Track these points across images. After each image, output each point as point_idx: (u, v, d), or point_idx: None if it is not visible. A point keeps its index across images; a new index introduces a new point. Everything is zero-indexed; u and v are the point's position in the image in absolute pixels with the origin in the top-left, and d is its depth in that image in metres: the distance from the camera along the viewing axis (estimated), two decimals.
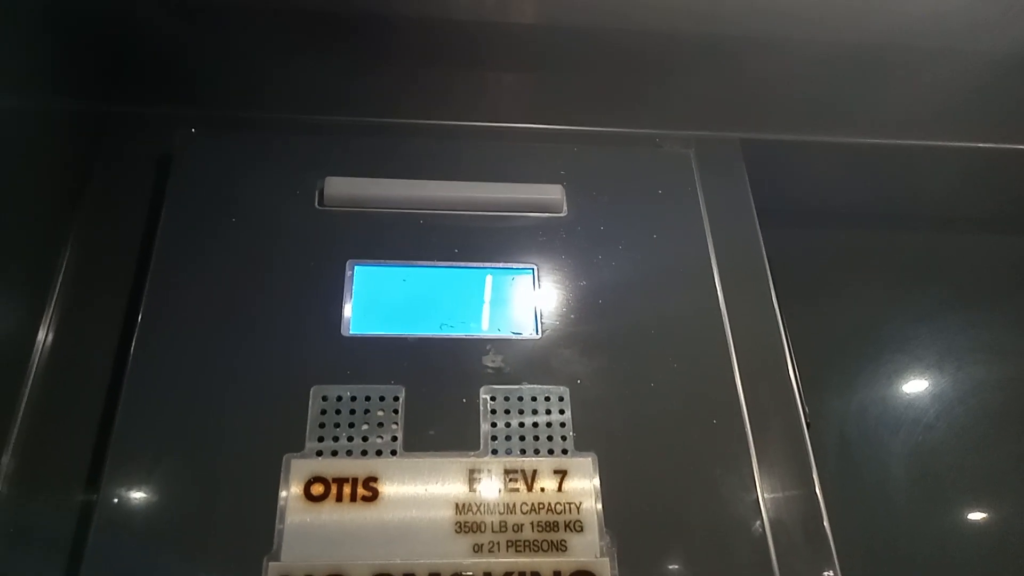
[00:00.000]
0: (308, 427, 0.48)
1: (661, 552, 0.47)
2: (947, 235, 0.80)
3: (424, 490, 0.47)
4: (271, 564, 0.43)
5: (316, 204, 0.57)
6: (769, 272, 0.60)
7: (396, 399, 0.49)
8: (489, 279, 0.55)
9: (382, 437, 0.48)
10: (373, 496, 0.46)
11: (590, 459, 0.49)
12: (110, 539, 0.44)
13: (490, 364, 0.52)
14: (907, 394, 0.71)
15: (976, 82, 0.69)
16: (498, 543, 0.45)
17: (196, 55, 0.62)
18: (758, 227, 0.62)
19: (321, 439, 0.48)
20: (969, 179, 0.76)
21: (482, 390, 0.50)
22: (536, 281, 0.56)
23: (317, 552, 0.44)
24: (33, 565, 0.45)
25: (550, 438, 0.49)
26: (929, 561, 0.64)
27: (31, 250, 0.53)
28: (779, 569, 0.47)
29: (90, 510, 0.45)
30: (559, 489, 0.47)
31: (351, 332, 0.52)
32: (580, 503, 0.47)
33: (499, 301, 0.55)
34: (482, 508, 0.46)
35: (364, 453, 0.47)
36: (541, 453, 0.49)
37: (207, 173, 0.57)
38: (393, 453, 0.48)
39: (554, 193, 0.59)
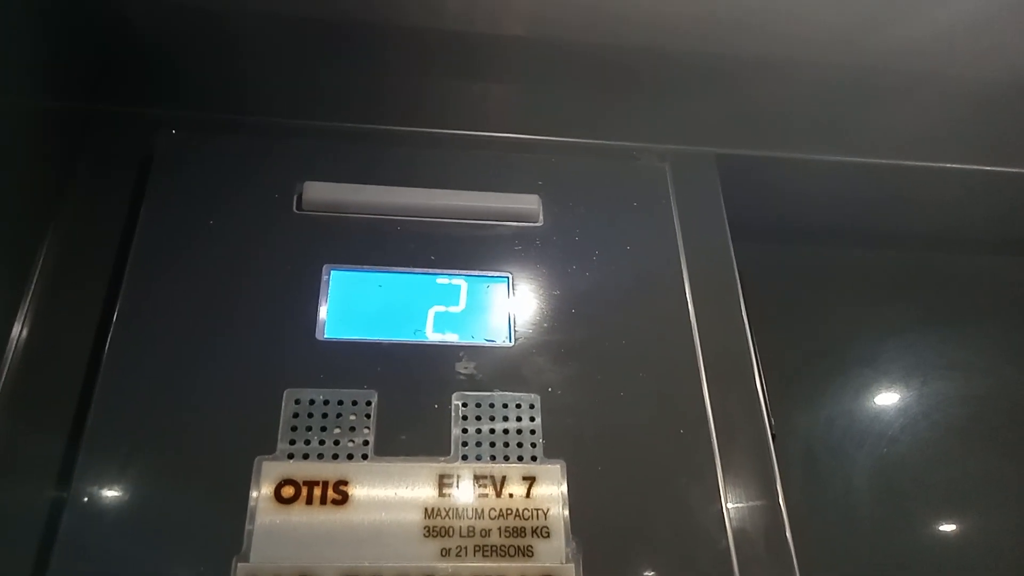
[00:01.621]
0: (280, 430, 0.48)
1: (626, 559, 0.48)
2: (918, 253, 0.81)
3: (394, 494, 0.47)
4: (240, 565, 0.44)
5: (295, 208, 0.57)
6: (740, 286, 0.61)
7: (368, 403, 0.50)
8: (464, 286, 0.56)
9: (354, 441, 0.49)
10: (343, 499, 0.46)
11: (558, 466, 0.49)
12: (80, 536, 0.44)
13: (463, 371, 0.52)
14: (873, 408, 0.72)
15: (955, 105, 0.70)
16: (466, 548, 0.46)
17: (180, 57, 0.63)
18: (730, 241, 0.63)
19: (293, 442, 0.48)
20: (943, 200, 0.77)
21: (454, 396, 0.51)
22: (511, 289, 0.56)
23: (286, 554, 0.44)
24: (2, 560, 0.45)
25: (520, 445, 0.50)
26: (891, 574, 0.65)
27: (8, 245, 0.53)
28: None
29: (61, 507, 0.45)
30: (527, 495, 0.48)
31: (326, 336, 0.52)
32: (547, 509, 0.48)
33: (473, 308, 0.55)
34: (451, 513, 0.47)
35: (335, 456, 0.48)
36: (511, 459, 0.49)
37: (187, 174, 0.57)
38: (364, 457, 0.48)
39: (531, 203, 0.59)
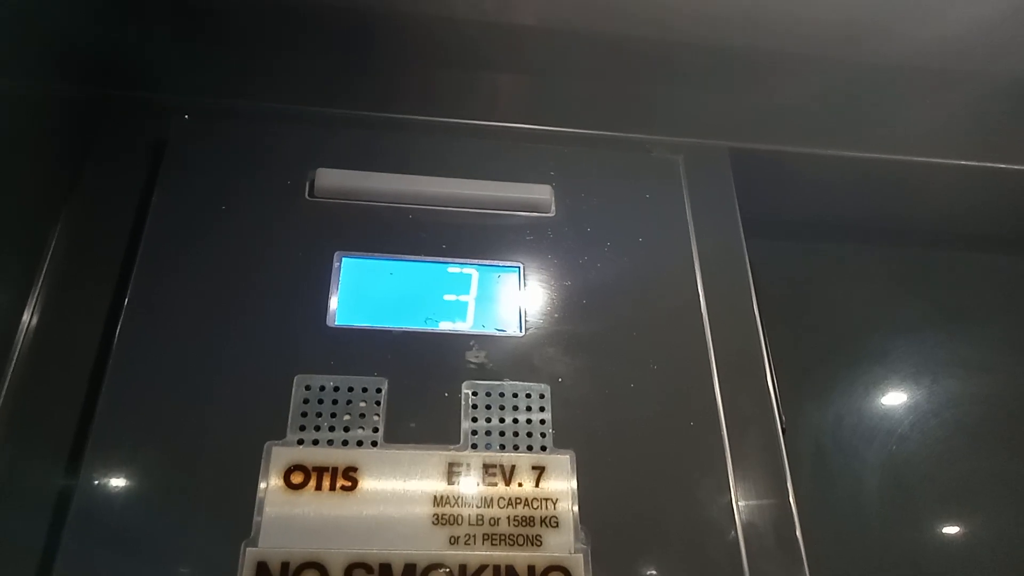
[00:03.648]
0: (290, 416, 0.48)
1: (634, 551, 0.48)
2: (929, 251, 0.81)
3: (403, 482, 0.47)
4: (249, 550, 0.44)
5: (307, 195, 0.57)
6: (751, 280, 0.61)
7: (379, 391, 0.50)
8: (475, 275, 0.56)
9: (363, 428, 0.49)
10: (352, 486, 0.46)
11: (568, 457, 0.49)
12: (89, 524, 0.44)
13: (473, 360, 0.52)
14: (883, 405, 0.72)
15: (967, 102, 0.70)
16: (474, 536, 0.46)
17: (193, 43, 0.62)
18: (742, 235, 0.63)
19: (303, 428, 0.48)
20: (954, 197, 0.77)
21: (464, 385, 0.51)
22: (522, 279, 0.56)
23: (295, 539, 0.44)
24: (11, 546, 0.45)
25: (530, 435, 0.50)
26: (899, 571, 0.64)
27: (19, 231, 0.53)
28: (750, 574, 0.48)
29: (71, 493, 0.45)
30: (536, 485, 0.48)
31: (336, 323, 0.52)
32: (556, 500, 0.48)
33: (484, 298, 0.55)
34: (460, 501, 0.47)
35: (345, 443, 0.48)
36: (520, 449, 0.49)
37: (199, 161, 0.57)
38: (374, 444, 0.48)
39: (543, 193, 0.59)
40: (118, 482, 0.46)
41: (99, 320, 0.52)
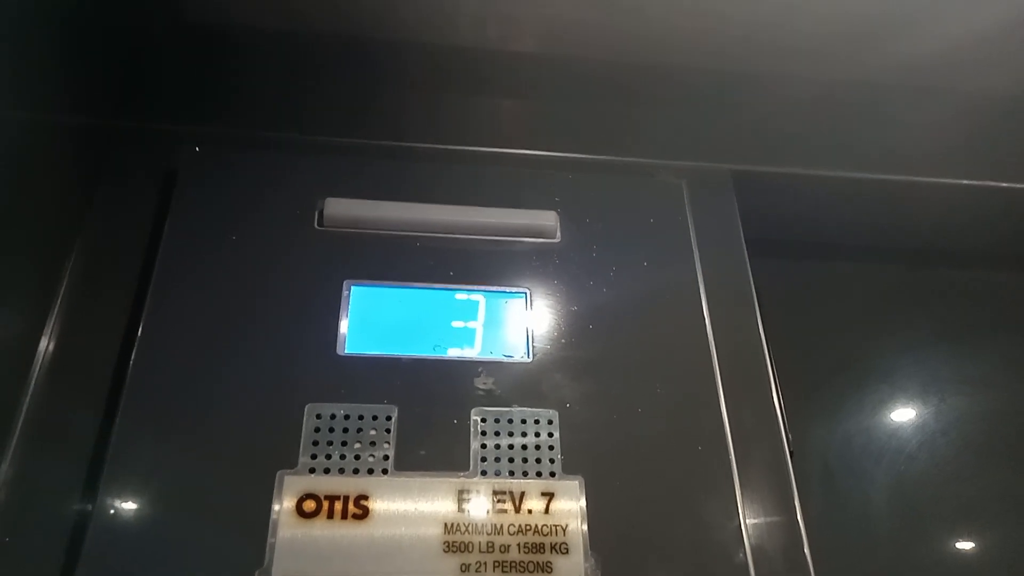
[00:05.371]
0: (302, 444, 0.49)
1: (645, 575, 0.48)
2: (933, 269, 0.81)
3: (414, 509, 0.47)
4: None
5: (316, 224, 0.58)
6: (756, 301, 0.61)
7: (389, 418, 0.50)
8: (483, 302, 0.56)
9: (374, 456, 0.49)
10: (364, 514, 0.47)
11: (577, 482, 0.50)
12: (105, 549, 0.45)
13: (481, 386, 0.53)
14: (890, 424, 0.72)
15: (966, 120, 0.70)
16: (485, 563, 0.46)
17: (203, 74, 0.63)
18: (747, 257, 0.63)
19: (314, 456, 0.48)
20: (957, 215, 0.77)
21: (473, 411, 0.51)
22: (528, 305, 0.57)
23: (307, 568, 0.45)
24: (27, 572, 0.45)
25: (538, 460, 0.50)
26: None
27: (35, 260, 0.53)
28: None
29: (86, 520, 0.46)
30: (546, 511, 0.48)
31: (346, 351, 0.53)
32: (566, 525, 0.48)
33: (492, 324, 0.56)
34: (470, 528, 0.47)
35: (356, 471, 0.48)
36: (529, 475, 0.50)
37: (210, 191, 0.58)
38: (384, 472, 0.48)
39: (548, 219, 0.60)
40: (133, 510, 0.46)
41: (113, 348, 0.53)
